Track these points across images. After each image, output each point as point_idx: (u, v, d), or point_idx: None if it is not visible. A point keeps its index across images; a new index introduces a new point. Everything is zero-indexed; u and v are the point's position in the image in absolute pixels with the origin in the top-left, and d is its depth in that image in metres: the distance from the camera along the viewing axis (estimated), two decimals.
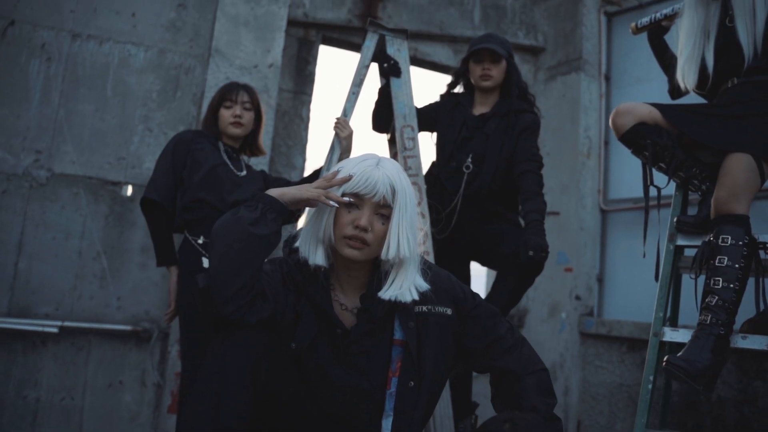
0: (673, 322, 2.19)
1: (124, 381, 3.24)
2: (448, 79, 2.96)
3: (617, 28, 4.46)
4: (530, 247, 2.33)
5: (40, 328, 3.05)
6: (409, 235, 1.44)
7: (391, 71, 2.61)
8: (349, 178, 1.43)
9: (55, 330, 3.06)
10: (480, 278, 4.54)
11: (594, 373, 3.92)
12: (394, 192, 1.44)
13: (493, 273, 4.31)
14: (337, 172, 1.48)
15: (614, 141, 4.24)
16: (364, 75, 2.58)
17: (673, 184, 2.30)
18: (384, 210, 1.44)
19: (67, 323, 3.10)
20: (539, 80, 4.56)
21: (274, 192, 1.45)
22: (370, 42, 2.60)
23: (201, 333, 2.39)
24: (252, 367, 1.32)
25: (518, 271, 2.42)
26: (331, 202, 1.42)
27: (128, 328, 3.21)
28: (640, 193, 3.93)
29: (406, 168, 2.48)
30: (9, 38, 3.18)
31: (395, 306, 1.47)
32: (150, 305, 3.29)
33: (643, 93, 4.13)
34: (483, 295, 2.16)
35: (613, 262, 4.17)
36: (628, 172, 4.14)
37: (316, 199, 1.42)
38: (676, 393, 3.26)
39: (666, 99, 2.38)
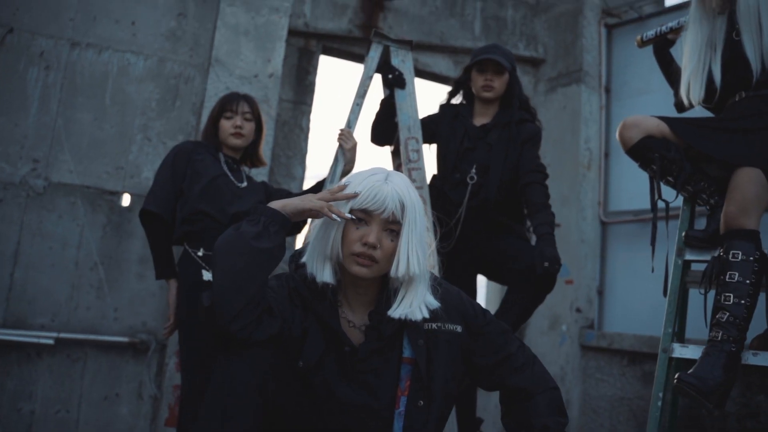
0: (680, 337, 2.17)
1: (120, 393, 3.19)
2: (448, 90, 2.94)
3: (617, 40, 4.47)
4: (546, 258, 2.33)
5: (35, 340, 3.01)
6: (419, 252, 1.41)
7: (395, 82, 2.59)
8: (354, 196, 1.40)
9: (50, 341, 3.02)
10: (479, 289, 4.50)
11: (595, 386, 3.89)
12: (403, 208, 1.40)
13: (494, 284, 4.30)
14: (344, 185, 1.46)
15: (614, 153, 4.25)
16: (368, 86, 2.56)
17: (679, 198, 2.28)
18: (393, 226, 1.40)
19: (63, 335, 3.05)
20: (539, 92, 4.56)
21: (275, 204, 1.41)
22: (375, 53, 2.58)
23: (201, 345, 2.36)
24: (259, 386, 1.29)
25: (532, 287, 2.40)
26: (335, 216, 1.39)
27: (125, 339, 3.17)
28: (641, 206, 3.99)
29: (411, 180, 2.45)
30: (7, 46, 3.15)
31: (404, 323, 1.44)
32: (147, 316, 3.25)
33: (643, 105, 4.14)
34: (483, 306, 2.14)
35: (613, 274, 4.15)
36: (628, 184, 4.13)
37: (318, 210, 1.40)
38: (679, 407, 3.23)
39: (667, 111, 2.37)
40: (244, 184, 2.61)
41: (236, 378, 1.29)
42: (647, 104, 4.10)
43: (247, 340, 1.30)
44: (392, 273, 1.40)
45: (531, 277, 2.38)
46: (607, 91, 4.39)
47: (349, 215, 1.39)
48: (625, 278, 4.08)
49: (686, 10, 3.94)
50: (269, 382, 1.31)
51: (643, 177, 3.73)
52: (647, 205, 3.84)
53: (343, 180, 1.50)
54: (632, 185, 4.07)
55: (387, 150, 2.85)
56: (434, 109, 2.91)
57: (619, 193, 4.21)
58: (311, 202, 1.40)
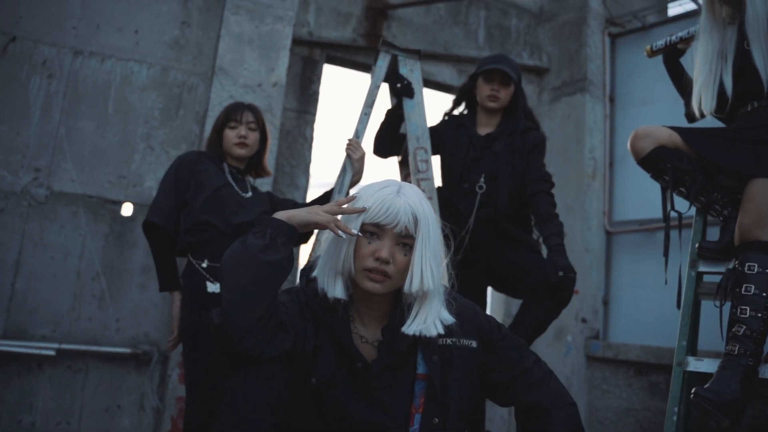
0: (692, 350, 2.14)
1: (122, 405, 3.16)
2: (451, 98, 2.92)
3: (621, 50, 4.46)
4: (559, 267, 2.32)
5: (36, 351, 2.99)
6: (433, 267, 1.37)
7: (404, 92, 2.56)
8: (362, 211, 1.36)
9: (52, 353, 2.99)
10: None
11: (600, 398, 3.85)
12: (416, 221, 1.36)
13: (498, 294, 4.27)
14: (352, 197, 1.42)
15: (619, 162, 4.23)
16: (376, 95, 2.53)
17: (691, 209, 2.26)
18: (406, 240, 1.37)
19: (64, 345, 3.03)
20: (543, 101, 4.55)
21: (281, 215, 1.38)
22: (383, 62, 2.56)
23: (205, 357, 2.32)
24: (272, 404, 1.26)
25: (548, 301, 2.38)
26: (341, 233, 1.35)
27: (127, 350, 3.14)
28: (646, 215, 3.97)
29: None
30: (10, 54, 3.13)
31: (418, 339, 1.40)
32: (150, 327, 3.21)
33: (647, 114, 4.13)
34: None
35: (618, 284, 4.13)
36: (633, 194, 4.12)
37: (325, 225, 1.36)
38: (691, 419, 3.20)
39: (671, 120, 2.35)
40: (249, 194, 2.57)
41: (249, 396, 1.25)
42: (651, 113, 4.09)
43: (259, 355, 1.26)
44: (406, 288, 1.37)
45: (547, 291, 2.36)
46: (611, 100, 4.38)
47: (355, 231, 1.35)
48: (630, 288, 4.05)
49: (690, 19, 3.95)
50: (282, 400, 1.28)
51: (648, 186, 3.69)
52: (652, 215, 3.89)
53: (354, 192, 1.47)
54: (637, 195, 4.06)
55: (395, 160, 2.82)
56: (436, 119, 2.89)
57: (623, 203, 4.19)
58: (318, 215, 1.37)
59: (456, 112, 2.86)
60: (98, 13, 3.32)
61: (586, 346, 3.95)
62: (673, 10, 4.65)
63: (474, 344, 1.46)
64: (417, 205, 1.38)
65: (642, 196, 4.00)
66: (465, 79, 2.91)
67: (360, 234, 1.36)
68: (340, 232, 1.35)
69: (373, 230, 1.37)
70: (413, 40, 4.05)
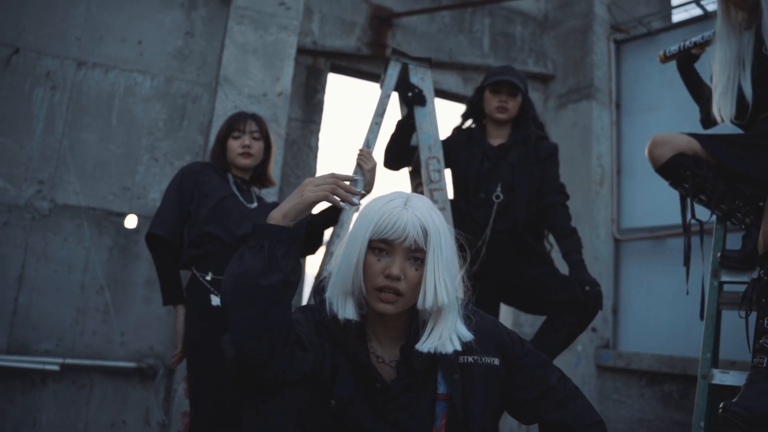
0: (714, 361, 2.09)
1: (127, 420, 3.10)
2: (457, 106, 2.89)
3: (626, 56, 4.43)
4: (584, 283, 2.31)
5: (40, 366, 2.94)
6: (446, 281, 1.31)
7: (415, 100, 2.52)
8: (361, 194, 1.34)
9: (56, 367, 2.95)
10: None
11: (612, 408, 3.79)
12: (426, 234, 1.30)
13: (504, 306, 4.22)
14: (349, 176, 1.36)
15: (626, 169, 4.19)
16: (387, 104, 2.49)
17: (711, 217, 2.21)
18: (417, 254, 1.31)
19: (68, 360, 2.98)
20: (549, 108, 4.51)
21: (276, 215, 1.28)
22: (393, 71, 2.52)
23: (210, 372, 2.27)
24: (296, 426, 1.21)
25: (576, 317, 2.34)
26: (341, 203, 1.29)
27: (132, 364, 3.10)
28: (654, 222, 3.92)
29: (432, 201, 2.38)
30: (13, 66, 3.10)
31: (438, 358, 1.35)
32: (154, 340, 3.16)
33: (653, 121, 4.10)
34: None
35: (628, 292, 4.08)
36: (641, 201, 4.07)
37: (323, 199, 1.30)
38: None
39: (677, 126, 2.32)
40: (254, 204, 2.53)
41: (271, 422, 1.20)
42: (658, 120, 4.05)
43: (282, 379, 1.21)
44: (419, 304, 1.31)
45: (576, 308, 2.33)
46: (618, 106, 4.34)
47: (356, 201, 1.30)
48: (639, 296, 4.00)
49: (695, 25, 3.92)
50: (306, 423, 1.23)
51: (657, 193, 3.64)
52: (661, 222, 3.84)
53: (362, 206, 1.41)
54: (645, 202, 4.01)
55: (407, 170, 2.78)
56: (444, 131, 2.86)
57: (632, 210, 4.14)
58: (312, 193, 1.29)
59: (464, 127, 2.84)
60: (101, 24, 3.29)
61: (597, 356, 3.90)
62: (678, 16, 4.61)
63: (496, 361, 1.41)
64: (426, 217, 1.31)
65: (650, 203, 3.95)
66: (470, 87, 2.88)
67: (360, 203, 1.31)
68: (339, 200, 1.29)
69: (381, 246, 1.31)
70: (418, 49, 4.02)
